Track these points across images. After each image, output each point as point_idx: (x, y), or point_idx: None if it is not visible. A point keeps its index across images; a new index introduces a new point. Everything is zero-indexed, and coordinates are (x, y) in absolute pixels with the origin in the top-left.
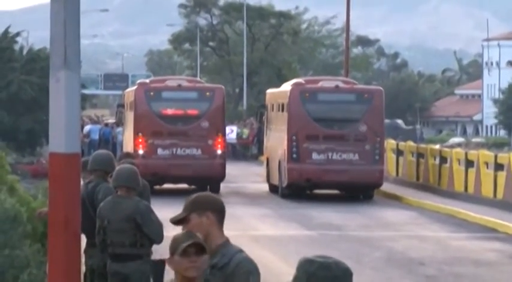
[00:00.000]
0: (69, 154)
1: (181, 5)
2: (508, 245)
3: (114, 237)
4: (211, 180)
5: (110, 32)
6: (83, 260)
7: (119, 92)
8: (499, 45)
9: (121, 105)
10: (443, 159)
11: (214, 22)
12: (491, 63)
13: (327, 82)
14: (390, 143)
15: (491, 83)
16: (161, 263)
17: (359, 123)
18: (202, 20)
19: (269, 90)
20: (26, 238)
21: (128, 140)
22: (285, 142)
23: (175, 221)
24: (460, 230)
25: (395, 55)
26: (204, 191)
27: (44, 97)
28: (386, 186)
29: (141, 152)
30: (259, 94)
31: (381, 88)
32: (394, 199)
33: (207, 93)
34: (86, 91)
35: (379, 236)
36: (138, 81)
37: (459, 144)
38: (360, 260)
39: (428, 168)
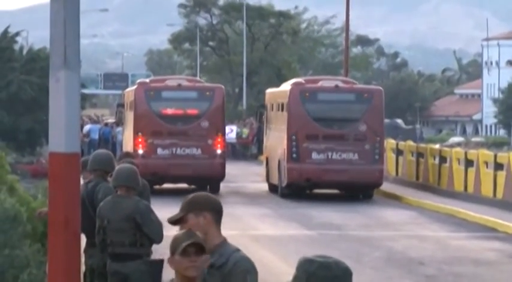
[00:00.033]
0: (69, 154)
1: (181, 5)
2: (508, 244)
3: (114, 236)
4: (211, 179)
5: (110, 32)
6: (82, 259)
7: (119, 92)
8: (498, 44)
9: (121, 105)
10: (443, 159)
11: (214, 22)
12: (491, 63)
13: (327, 82)
14: (390, 142)
15: (491, 83)
16: (159, 263)
17: (359, 123)
18: (202, 20)
19: (269, 90)
20: (25, 238)
21: (127, 139)
22: (285, 142)
23: (173, 221)
24: (460, 230)
25: (395, 55)
26: (204, 190)
27: (43, 97)
28: (386, 186)
29: (140, 151)
30: (259, 94)
31: (381, 88)
32: (394, 199)
33: (207, 93)
34: (85, 91)
35: (378, 236)
36: (138, 81)
37: (459, 144)
38: (359, 260)
39: (428, 167)
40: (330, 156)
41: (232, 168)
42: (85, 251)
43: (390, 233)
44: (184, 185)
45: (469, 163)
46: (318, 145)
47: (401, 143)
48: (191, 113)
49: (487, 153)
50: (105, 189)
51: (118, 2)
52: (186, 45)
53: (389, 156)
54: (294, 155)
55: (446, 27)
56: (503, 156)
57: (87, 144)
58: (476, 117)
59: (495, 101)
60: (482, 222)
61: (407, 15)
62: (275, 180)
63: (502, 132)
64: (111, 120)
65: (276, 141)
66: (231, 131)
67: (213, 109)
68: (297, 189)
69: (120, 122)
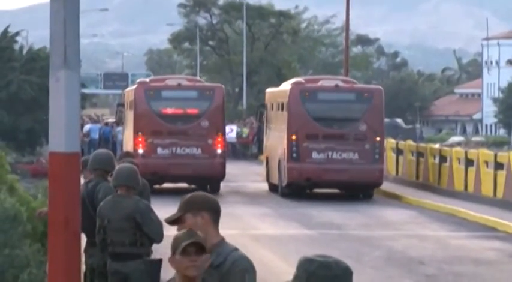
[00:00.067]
0: (69, 153)
1: (181, 5)
2: (508, 244)
3: (114, 236)
4: (211, 179)
5: (110, 31)
6: (83, 259)
7: (119, 91)
8: (498, 44)
9: (121, 105)
10: (443, 158)
11: (214, 21)
12: (491, 62)
13: (327, 81)
14: (390, 142)
15: (491, 82)
16: (157, 263)
17: (359, 123)
18: (202, 20)
19: (269, 90)
20: (26, 238)
21: (127, 139)
22: (285, 141)
23: (170, 221)
24: (460, 229)
25: (395, 54)
26: (204, 190)
27: (43, 96)
28: (386, 186)
29: (141, 151)
30: (259, 93)
31: (381, 87)
32: (394, 198)
33: (207, 93)
34: (85, 90)
35: (379, 235)
36: (138, 81)
37: (459, 143)
38: (359, 259)
39: (428, 167)
40: (330, 156)
41: (233, 168)
42: (85, 250)
43: (390, 232)
44: (184, 185)
45: (469, 163)
46: (318, 145)
47: (402, 143)
48: (191, 112)
49: (487, 153)
50: (105, 188)
51: (118, 2)
52: (186, 45)
53: (390, 156)
54: (294, 155)
55: (446, 26)
56: (504, 155)
57: (87, 143)
58: (476, 116)
59: (495, 100)
60: (483, 221)
61: (407, 15)
62: (275, 179)
63: (502, 131)
64: (111, 119)
65: (276, 140)
66: (231, 131)
67: (213, 109)
68: (297, 188)
69: (120, 122)
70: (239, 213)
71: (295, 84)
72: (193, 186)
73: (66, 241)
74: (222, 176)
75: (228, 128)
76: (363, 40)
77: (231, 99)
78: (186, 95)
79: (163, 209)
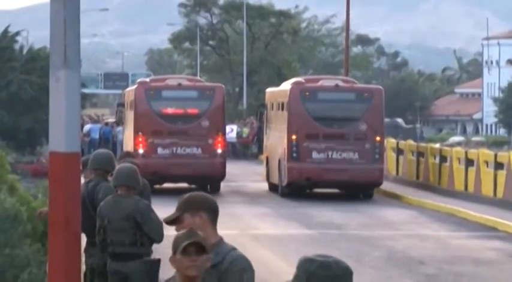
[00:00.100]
0: (69, 153)
1: (181, 4)
2: (508, 243)
3: (114, 236)
4: (212, 179)
5: (110, 31)
6: (83, 259)
7: (119, 91)
8: (498, 44)
9: (121, 105)
10: (443, 158)
11: (214, 21)
12: (491, 62)
13: (327, 81)
14: (390, 142)
15: (491, 82)
16: (155, 263)
17: (359, 122)
18: (202, 19)
19: (269, 89)
20: (26, 237)
21: (128, 139)
22: (285, 141)
23: (169, 221)
24: (460, 229)
25: (396, 54)
26: (205, 190)
27: (44, 96)
28: (386, 185)
29: (141, 151)
30: (259, 93)
31: (381, 87)
32: (394, 198)
33: (207, 92)
34: (86, 90)
35: (379, 235)
36: (138, 80)
37: (459, 143)
38: (360, 259)
39: (428, 167)
40: (330, 156)
41: (233, 168)
42: (85, 250)
43: (390, 232)
44: (184, 185)
45: (469, 162)
46: (318, 144)
47: (402, 142)
48: (191, 112)
49: (487, 153)
50: (105, 188)
51: (118, 2)
52: (186, 45)
53: (390, 156)
54: (294, 154)
55: (447, 26)
56: (504, 155)
57: (88, 143)
58: (476, 116)
59: (495, 100)
60: (483, 221)
61: (407, 15)
62: (275, 179)
63: (502, 131)
64: (111, 119)
65: (276, 140)
66: (232, 131)
67: (214, 108)
68: (297, 188)
69: (120, 122)
70: (239, 213)
71: (295, 84)
72: (193, 186)
73: (66, 241)
74: (222, 175)
75: (228, 128)
76: (363, 40)
77: (231, 99)
78: (186, 94)
79: (164, 209)
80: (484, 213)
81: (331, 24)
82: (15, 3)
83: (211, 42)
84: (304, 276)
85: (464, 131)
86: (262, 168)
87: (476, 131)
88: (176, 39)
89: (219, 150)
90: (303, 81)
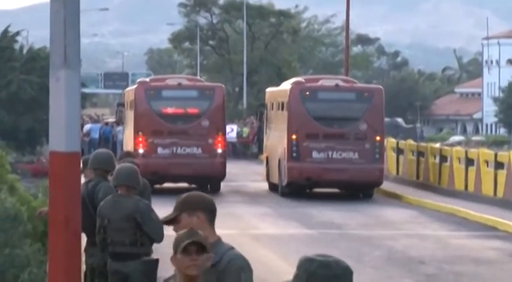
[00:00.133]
0: (69, 153)
1: (181, 4)
2: (508, 243)
3: (115, 236)
4: (212, 179)
5: (110, 31)
6: (83, 258)
7: (119, 91)
8: (499, 43)
9: (121, 104)
10: (443, 158)
11: (214, 21)
12: (491, 62)
13: (327, 81)
14: (390, 141)
15: (491, 82)
16: (154, 263)
17: (359, 122)
18: (202, 19)
19: (269, 89)
20: (26, 237)
21: (128, 139)
22: (285, 141)
23: (166, 221)
24: (460, 229)
25: (396, 53)
26: (205, 190)
27: (44, 96)
28: (386, 185)
29: (141, 151)
30: (259, 93)
31: (381, 87)
32: (394, 198)
33: (207, 92)
34: (86, 90)
35: (379, 235)
36: (138, 80)
37: (459, 143)
38: (360, 259)
39: (428, 166)
40: (330, 155)
41: (233, 168)
42: (85, 250)
43: (390, 232)
44: (184, 184)
45: (469, 162)
46: (318, 144)
47: (402, 142)
48: (191, 112)
49: (487, 152)
50: (105, 188)
51: (118, 1)
52: (186, 45)
53: (390, 155)
54: (294, 154)
55: (447, 26)
56: (504, 155)
57: (88, 143)
58: (476, 116)
59: (495, 99)
60: (483, 221)
61: (407, 14)
62: (275, 179)
63: (502, 131)
64: (111, 119)
65: (277, 140)
66: (232, 130)
67: (214, 108)
68: (297, 188)
69: (120, 121)
70: (239, 212)
71: (295, 83)
72: (193, 185)
73: (66, 241)
74: (222, 175)
75: (228, 128)
76: (363, 39)
77: (231, 98)
78: (186, 94)
79: (164, 209)
80: (484, 212)
81: (331, 24)
82: (15, 3)
83: (211, 42)
84: (304, 275)
85: (464, 131)
86: (262, 168)
87: (477, 131)
88: (176, 39)
89: (219, 150)
90: (303, 81)
